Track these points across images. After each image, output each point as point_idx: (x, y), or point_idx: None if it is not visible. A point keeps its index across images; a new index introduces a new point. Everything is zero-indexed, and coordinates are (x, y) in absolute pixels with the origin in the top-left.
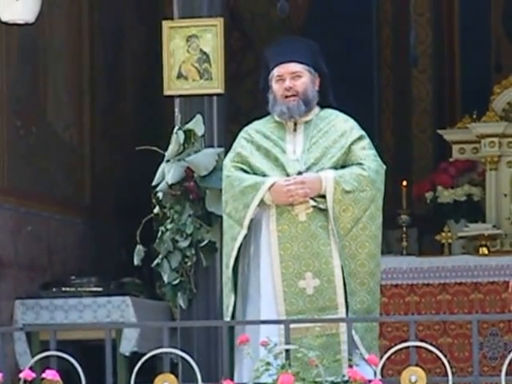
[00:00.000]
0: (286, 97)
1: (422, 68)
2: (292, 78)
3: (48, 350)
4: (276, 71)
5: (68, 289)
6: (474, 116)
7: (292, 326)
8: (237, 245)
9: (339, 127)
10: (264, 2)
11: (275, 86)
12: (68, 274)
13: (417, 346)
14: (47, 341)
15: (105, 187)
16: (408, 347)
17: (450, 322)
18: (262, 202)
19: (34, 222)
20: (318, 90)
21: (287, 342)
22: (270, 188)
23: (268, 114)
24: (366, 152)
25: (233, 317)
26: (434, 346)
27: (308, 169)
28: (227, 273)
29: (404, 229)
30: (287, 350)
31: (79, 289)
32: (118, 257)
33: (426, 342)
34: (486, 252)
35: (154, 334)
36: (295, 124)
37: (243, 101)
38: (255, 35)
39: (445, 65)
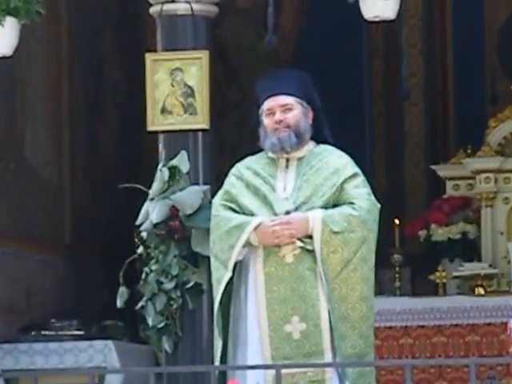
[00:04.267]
0: (277, 129)
1: (414, 101)
2: (282, 110)
3: None
4: (266, 105)
5: (48, 332)
6: (469, 151)
7: (283, 371)
8: (221, 288)
9: (332, 164)
10: (250, 33)
11: (266, 120)
12: (48, 317)
13: None
14: None
15: (86, 226)
16: None
17: (445, 365)
18: (248, 243)
19: (12, 263)
20: (311, 123)
21: None
22: (255, 228)
23: (261, 150)
24: (358, 190)
25: (222, 361)
26: None
27: (297, 208)
28: (214, 315)
29: (397, 268)
30: None
31: (59, 332)
32: (99, 298)
33: None
34: (483, 292)
35: (139, 379)
36: (287, 161)
37: (228, 135)
38: (240, 68)
39: (438, 97)
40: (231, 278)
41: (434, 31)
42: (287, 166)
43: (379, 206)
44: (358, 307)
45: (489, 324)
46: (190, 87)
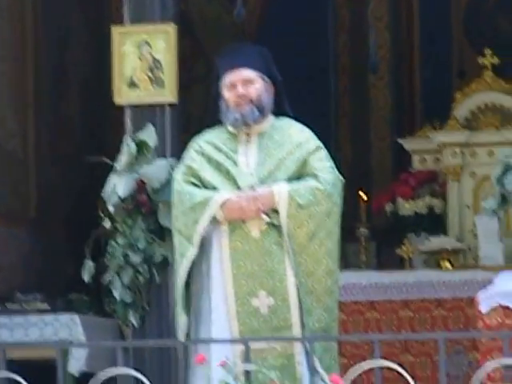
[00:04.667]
0: (239, 104)
1: (380, 74)
2: (245, 84)
3: None
4: (228, 78)
5: (13, 306)
6: (436, 125)
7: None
8: (186, 263)
9: (294, 138)
10: (215, 6)
11: (227, 94)
12: (13, 290)
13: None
14: None
15: (51, 200)
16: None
17: (412, 339)
18: (212, 219)
19: None
20: (271, 97)
21: (247, 361)
22: (221, 204)
23: (220, 123)
24: (322, 164)
25: (186, 336)
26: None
27: (261, 182)
28: (178, 291)
29: (363, 242)
30: (247, 371)
31: (24, 306)
32: (64, 272)
33: (387, 361)
34: (449, 266)
35: (104, 352)
36: (248, 135)
37: (194, 109)
38: (206, 41)
39: (404, 71)
40: None
41: (401, 4)
42: (248, 141)
43: (342, 179)
44: (324, 281)
45: (455, 298)
46: (157, 60)
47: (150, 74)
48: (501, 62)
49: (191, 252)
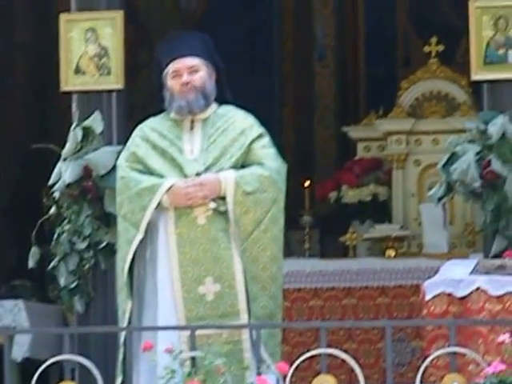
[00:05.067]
0: (184, 92)
1: (325, 62)
2: (189, 72)
3: None
4: (172, 67)
5: None
6: (380, 112)
7: (197, 332)
8: (132, 248)
9: (238, 125)
10: None
11: (171, 82)
12: None
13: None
14: None
15: None
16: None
17: (355, 327)
18: (159, 205)
19: None
20: (214, 85)
21: (193, 349)
22: (167, 190)
23: (163, 111)
24: (266, 151)
25: (129, 322)
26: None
27: (207, 169)
28: (122, 277)
29: (306, 230)
30: (193, 357)
31: None
32: (8, 259)
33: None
34: (393, 254)
35: (47, 339)
36: (192, 122)
37: (138, 96)
38: (150, 27)
39: (349, 58)
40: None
41: None
42: (192, 128)
43: (286, 166)
44: (269, 267)
45: (399, 286)
46: (103, 48)
47: (96, 61)
48: (446, 49)
49: (137, 238)
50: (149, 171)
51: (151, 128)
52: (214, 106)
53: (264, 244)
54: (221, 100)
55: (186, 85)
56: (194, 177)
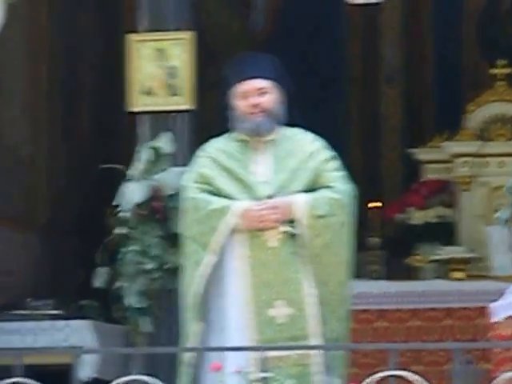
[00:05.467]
0: (252, 114)
1: (393, 84)
2: (258, 94)
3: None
4: (240, 88)
5: (24, 312)
6: (447, 135)
7: (268, 354)
8: (205, 270)
9: (307, 148)
10: (226, 13)
11: (240, 103)
12: (24, 296)
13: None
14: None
15: (62, 206)
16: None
17: (421, 349)
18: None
19: None
20: (283, 107)
21: (263, 370)
22: (241, 213)
23: (227, 130)
24: (335, 174)
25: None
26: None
27: (277, 192)
28: (192, 299)
29: (373, 251)
30: (264, 378)
31: (35, 312)
32: (74, 278)
33: (406, 370)
34: (459, 276)
35: (115, 359)
36: (259, 143)
37: (206, 117)
38: (217, 48)
39: (416, 81)
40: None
41: (414, 14)
42: (259, 149)
43: (355, 189)
44: (337, 291)
45: (464, 308)
46: (173, 68)
47: (166, 82)
48: None
49: (209, 260)
50: (217, 192)
51: (217, 149)
52: (281, 127)
53: (333, 267)
54: (289, 122)
55: (255, 107)
56: (265, 199)
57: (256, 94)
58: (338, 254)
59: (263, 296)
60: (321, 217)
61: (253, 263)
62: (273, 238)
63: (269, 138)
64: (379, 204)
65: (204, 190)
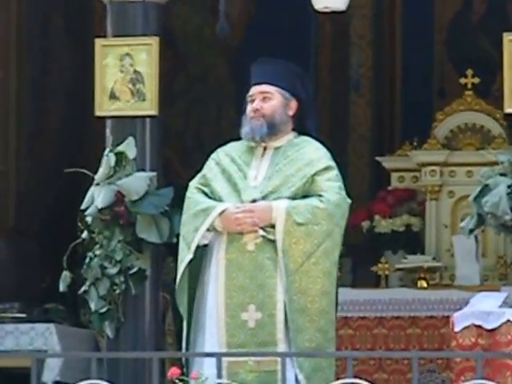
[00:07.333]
0: (253, 118)
1: (361, 92)
2: (262, 99)
3: None
4: (250, 91)
5: None
6: (415, 143)
7: (231, 359)
8: (182, 268)
9: (307, 155)
10: (197, 20)
11: (247, 107)
12: None
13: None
14: None
15: (29, 210)
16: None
17: (385, 357)
18: (213, 228)
19: None
20: (291, 115)
21: (219, 376)
22: (220, 214)
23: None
24: (329, 184)
25: (186, 343)
26: (369, 381)
27: (265, 197)
28: (178, 298)
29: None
30: None
31: (1, 314)
32: (40, 282)
33: (361, 378)
34: (425, 285)
35: (78, 363)
36: (265, 149)
37: (175, 123)
38: (188, 55)
39: (385, 89)
40: (193, 261)
41: (384, 22)
42: (263, 155)
43: (349, 201)
44: (318, 301)
45: (430, 317)
46: (139, 73)
47: (131, 87)
48: (482, 82)
49: (187, 258)
50: (213, 194)
51: (226, 152)
52: (290, 135)
53: (314, 277)
54: (301, 130)
55: (256, 111)
56: (248, 203)
57: (259, 99)
58: (320, 264)
59: (237, 299)
60: (300, 224)
61: (230, 266)
62: (251, 242)
63: (274, 144)
64: None
65: (202, 192)
